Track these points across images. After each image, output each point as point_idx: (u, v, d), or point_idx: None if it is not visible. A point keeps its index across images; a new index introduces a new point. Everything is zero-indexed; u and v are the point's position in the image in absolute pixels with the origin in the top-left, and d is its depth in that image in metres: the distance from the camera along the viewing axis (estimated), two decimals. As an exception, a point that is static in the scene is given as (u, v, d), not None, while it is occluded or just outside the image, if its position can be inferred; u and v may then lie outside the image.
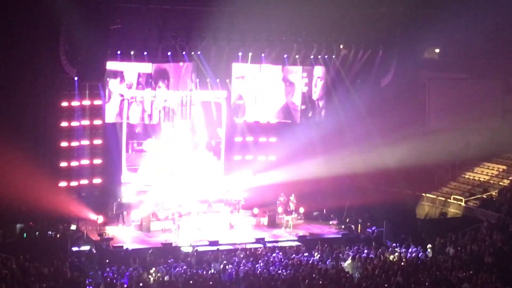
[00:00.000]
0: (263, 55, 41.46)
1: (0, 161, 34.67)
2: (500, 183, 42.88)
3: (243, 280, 30.67)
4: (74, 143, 39.68)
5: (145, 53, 39.18)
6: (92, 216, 38.53)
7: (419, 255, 34.40)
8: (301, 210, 41.42)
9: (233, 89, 41.81)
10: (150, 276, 30.90)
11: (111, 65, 38.49)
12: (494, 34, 43.53)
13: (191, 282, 29.99)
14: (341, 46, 42.19)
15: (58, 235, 35.98)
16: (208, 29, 38.99)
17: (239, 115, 42.40)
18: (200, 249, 35.38)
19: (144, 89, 39.78)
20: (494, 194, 41.71)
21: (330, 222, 41.56)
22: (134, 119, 39.94)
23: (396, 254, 34.49)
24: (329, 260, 33.36)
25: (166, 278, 30.61)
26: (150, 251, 34.60)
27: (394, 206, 41.21)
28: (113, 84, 39.00)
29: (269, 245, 36.63)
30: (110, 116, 39.37)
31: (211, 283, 30.16)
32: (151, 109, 40.01)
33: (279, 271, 31.50)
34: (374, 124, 42.93)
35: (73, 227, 37.46)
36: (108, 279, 30.38)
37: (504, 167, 44.34)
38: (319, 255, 34.29)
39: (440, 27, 41.57)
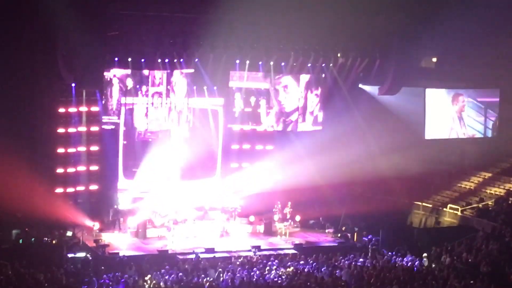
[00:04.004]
0: (260, 63, 41.56)
1: (-3, 167, 34.75)
2: (497, 193, 42.90)
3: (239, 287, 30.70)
4: (71, 150, 39.64)
5: (143, 60, 39.27)
6: (88, 222, 38.52)
7: (415, 263, 34.42)
8: (297, 218, 41.43)
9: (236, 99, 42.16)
10: (145, 283, 30.88)
11: (110, 73, 38.73)
12: (491, 43, 43.56)
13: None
14: (339, 55, 42.23)
15: (54, 242, 35.93)
16: (205, 36, 38.99)
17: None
18: (194, 256, 35.41)
19: (141, 96, 39.99)
20: (490, 203, 41.72)
21: (326, 231, 41.54)
22: (133, 125, 40.14)
23: (392, 262, 34.50)
24: (325, 268, 33.35)
25: (162, 285, 30.59)
26: (146, 258, 34.59)
27: (390, 214, 41.32)
28: (112, 90, 39.25)
29: (259, 253, 36.57)
30: (109, 122, 39.62)
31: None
32: (147, 116, 40.23)
33: (275, 279, 31.52)
34: (371, 133, 43.00)
35: (69, 233, 37.41)
36: (104, 286, 30.36)
37: (501, 177, 44.36)
38: (315, 263, 34.26)
39: (437, 36, 41.63)
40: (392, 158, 42.75)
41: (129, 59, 38.81)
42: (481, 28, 41.88)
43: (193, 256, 35.35)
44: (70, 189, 39.80)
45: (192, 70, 40.58)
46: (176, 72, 40.37)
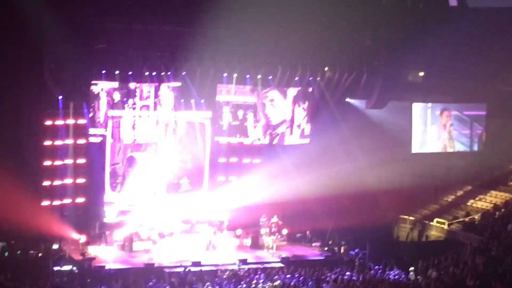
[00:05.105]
0: (247, 76, 41.66)
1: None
2: (483, 207, 42.99)
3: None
4: (58, 162, 39.49)
5: (130, 73, 39.32)
6: (75, 235, 38.39)
7: (402, 277, 34.42)
8: (284, 231, 41.39)
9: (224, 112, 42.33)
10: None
11: (98, 86, 38.84)
12: (477, 57, 43.77)
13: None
14: (326, 69, 42.35)
15: (40, 254, 35.79)
16: (193, 50, 39.08)
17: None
18: (181, 270, 35.34)
19: (128, 109, 40.06)
20: (476, 217, 41.80)
21: (313, 244, 41.53)
22: (119, 138, 40.17)
23: (379, 276, 34.48)
24: (312, 282, 33.31)
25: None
26: (132, 271, 34.49)
27: (377, 228, 41.31)
28: (100, 103, 39.30)
29: (244, 266, 36.53)
30: (96, 135, 39.67)
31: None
32: (134, 128, 40.29)
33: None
34: (358, 146, 43.05)
35: (55, 246, 37.27)
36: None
37: (487, 191, 44.46)
38: (301, 277, 34.22)
39: (424, 50, 41.82)
40: (379, 171, 42.82)
41: (117, 72, 38.85)
42: (467, 42, 42.10)
43: (181, 269, 35.28)
44: (56, 202, 39.63)
45: (179, 84, 40.65)
46: (164, 86, 40.46)
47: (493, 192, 43.95)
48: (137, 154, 41.39)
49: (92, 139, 40.00)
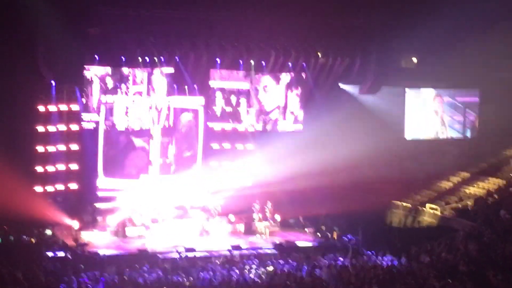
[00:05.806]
0: (241, 61, 41.59)
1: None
2: (476, 193, 43.06)
3: (219, 287, 30.62)
4: (50, 148, 39.41)
5: (123, 57, 39.19)
6: (68, 221, 38.35)
7: (395, 263, 34.47)
8: (277, 217, 41.43)
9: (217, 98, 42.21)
10: (125, 282, 30.75)
11: (91, 71, 38.70)
12: (471, 43, 43.70)
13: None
14: (319, 54, 42.29)
15: (32, 240, 35.76)
16: (186, 35, 38.98)
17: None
18: (175, 255, 35.34)
19: (121, 95, 39.94)
20: (469, 203, 41.87)
21: (307, 230, 41.56)
22: (113, 124, 40.08)
23: (372, 262, 34.54)
24: (305, 267, 33.34)
25: (141, 283, 30.47)
26: (125, 257, 34.47)
27: (370, 214, 41.33)
28: (93, 88, 39.16)
29: (236, 252, 36.50)
30: (89, 121, 39.57)
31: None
32: (127, 114, 40.18)
33: (255, 279, 31.48)
34: (351, 132, 43.03)
35: (48, 232, 37.24)
36: (83, 285, 30.21)
37: (480, 177, 44.54)
38: (295, 263, 34.25)
39: (417, 36, 41.72)
40: (372, 157, 42.80)
41: (110, 57, 38.72)
42: (461, 27, 42.02)
43: (176, 255, 35.29)
44: (49, 188, 39.51)
45: (172, 70, 40.52)
46: (157, 71, 40.35)
47: (486, 178, 44.02)
48: (130, 139, 41.33)
49: (85, 125, 39.89)
